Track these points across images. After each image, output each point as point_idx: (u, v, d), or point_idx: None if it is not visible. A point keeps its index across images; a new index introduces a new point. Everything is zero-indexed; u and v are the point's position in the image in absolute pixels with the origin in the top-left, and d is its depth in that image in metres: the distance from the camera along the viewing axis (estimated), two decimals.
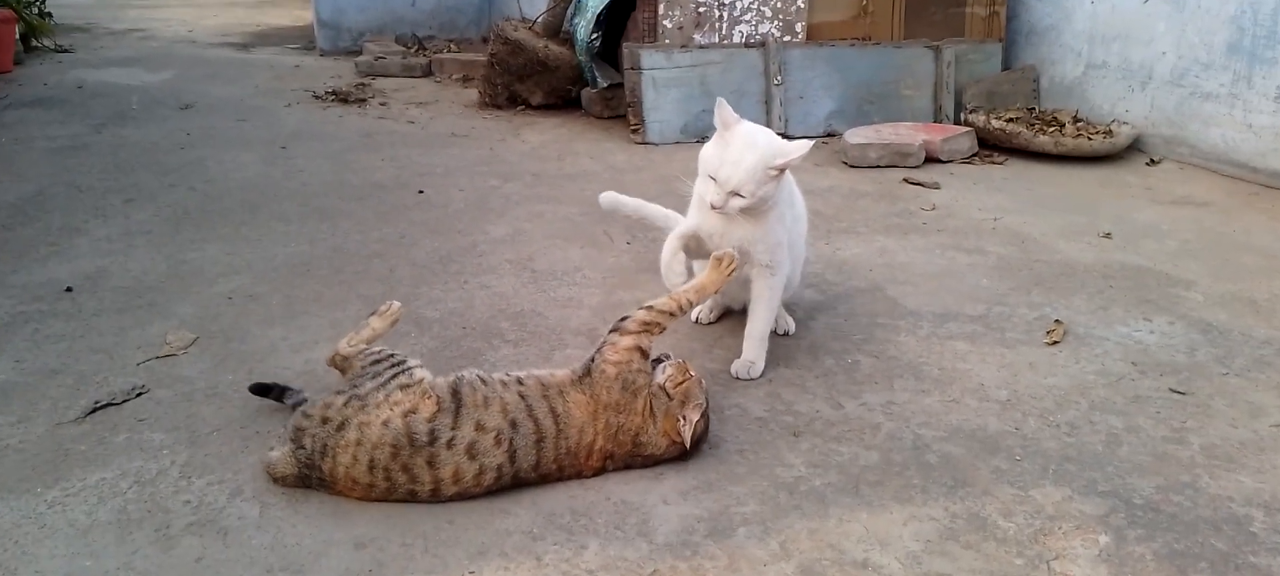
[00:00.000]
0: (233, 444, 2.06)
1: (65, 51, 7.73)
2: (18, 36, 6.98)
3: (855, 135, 4.90)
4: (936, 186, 4.42)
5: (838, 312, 2.92)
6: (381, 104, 6.13)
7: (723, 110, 2.24)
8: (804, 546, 1.80)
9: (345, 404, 1.84)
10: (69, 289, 2.84)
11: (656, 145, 5.17)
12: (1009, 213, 4.01)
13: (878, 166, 4.75)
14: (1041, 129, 5.03)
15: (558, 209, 3.95)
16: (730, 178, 2.21)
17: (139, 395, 2.25)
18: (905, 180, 4.53)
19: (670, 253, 2.42)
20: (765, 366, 2.50)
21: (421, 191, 4.12)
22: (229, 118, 5.54)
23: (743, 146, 2.22)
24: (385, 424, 1.80)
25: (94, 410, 2.17)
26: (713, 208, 2.26)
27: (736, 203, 2.24)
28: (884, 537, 1.83)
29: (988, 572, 1.74)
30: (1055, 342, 2.72)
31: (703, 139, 5.25)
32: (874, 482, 2.02)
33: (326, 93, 6.31)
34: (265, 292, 2.93)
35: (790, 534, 1.83)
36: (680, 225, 2.48)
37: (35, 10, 7.71)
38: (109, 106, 5.66)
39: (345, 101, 6.12)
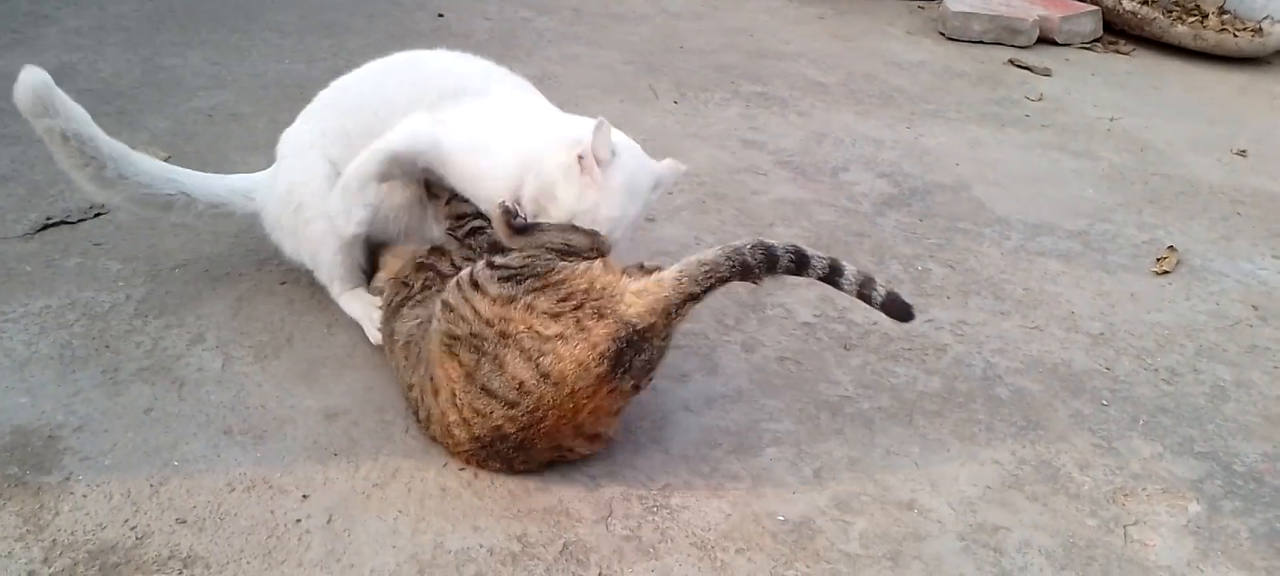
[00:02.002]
0: (198, 283, 2.02)
1: None
2: None
3: (959, 2, 4.66)
4: (1047, 73, 4.21)
5: (911, 210, 2.80)
6: None
7: (601, 136, 1.70)
8: (842, 477, 1.74)
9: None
10: None
11: None
12: (1129, 113, 3.81)
13: (981, 42, 4.53)
14: (1180, 17, 4.76)
15: (597, 53, 3.81)
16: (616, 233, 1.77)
17: (97, 215, 2.21)
18: (1011, 61, 4.32)
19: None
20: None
21: (441, 15, 3.99)
22: None
23: (637, 206, 1.79)
24: None
25: (45, 227, 2.14)
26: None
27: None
28: (936, 478, 1.76)
29: (1052, 531, 1.67)
30: (1165, 272, 2.59)
31: None
32: (932, 413, 1.94)
33: None
34: (250, 113, 2.86)
35: (827, 461, 1.77)
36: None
37: None
38: None
39: None
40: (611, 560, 1.51)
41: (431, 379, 1.60)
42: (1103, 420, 1.98)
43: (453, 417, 1.58)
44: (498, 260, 1.59)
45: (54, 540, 1.42)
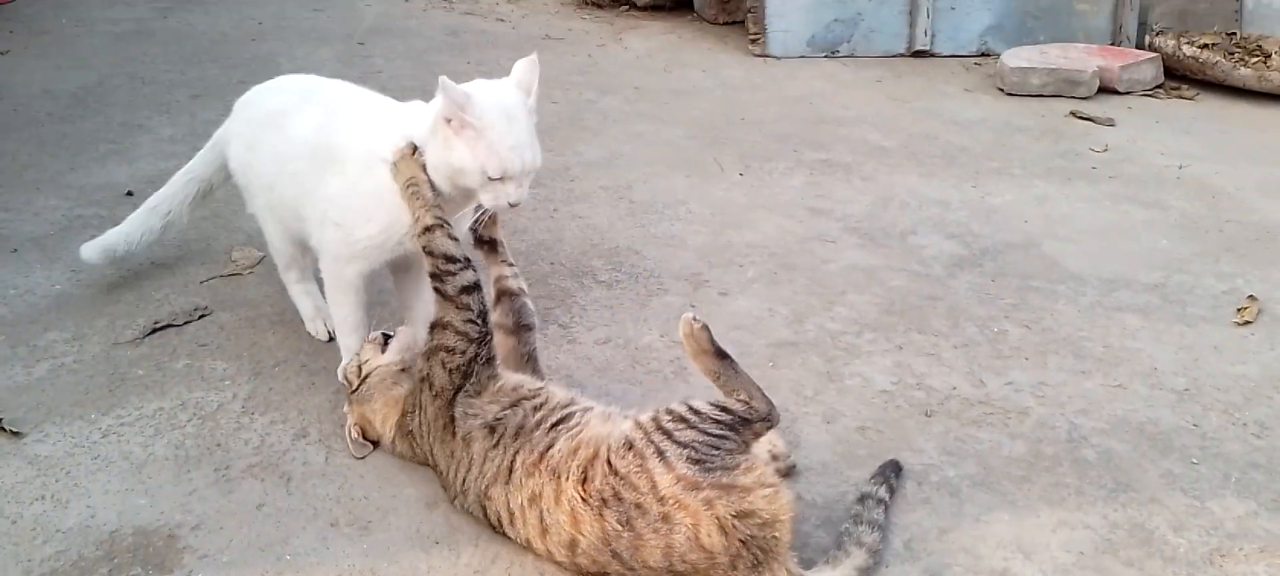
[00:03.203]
0: (298, 379, 2.11)
1: None
2: None
3: (1015, 57, 4.68)
4: (1110, 123, 4.19)
5: (983, 271, 2.81)
6: None
7: (450, 95, 1.78)
8: (932, 548, 1.74)
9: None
10: (130, 193, 2.94)
11: (778, 59, 5.03)
12: (1197, 159, 3.77)
13: (1041, 95, 4.53)
14: (1242, 59, 4.70)
15: (661, 129, 3.90)
16: (538, 155, 1.89)
17: (201, 317, 2.32)
18: (1073, 113, 4.31)
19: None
20: (895, 329, 2.43)
21: None
22: (303, 6, 5.63)
23: (524, 122, 1.86)
24: None
25: (153, 331, 2.25)
26: (515, 205, 1.87)
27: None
28: (1028, 545, 1.76)
29: None
30: (1247, 323, 2.56)
31: (833, 54, 5.11)
32: (1019, 478, 1.94)
33: None
34: None
35: (917, 532, 1.78)
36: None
37: None
38: None
39: None
40: None
41: (541, 517, 1.60)
42: (1194, 478, 1.95)
43: (562, 558, 1.60)
44: (683, 435, 1.58)
45: None
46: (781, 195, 3.31)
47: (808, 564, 1.63)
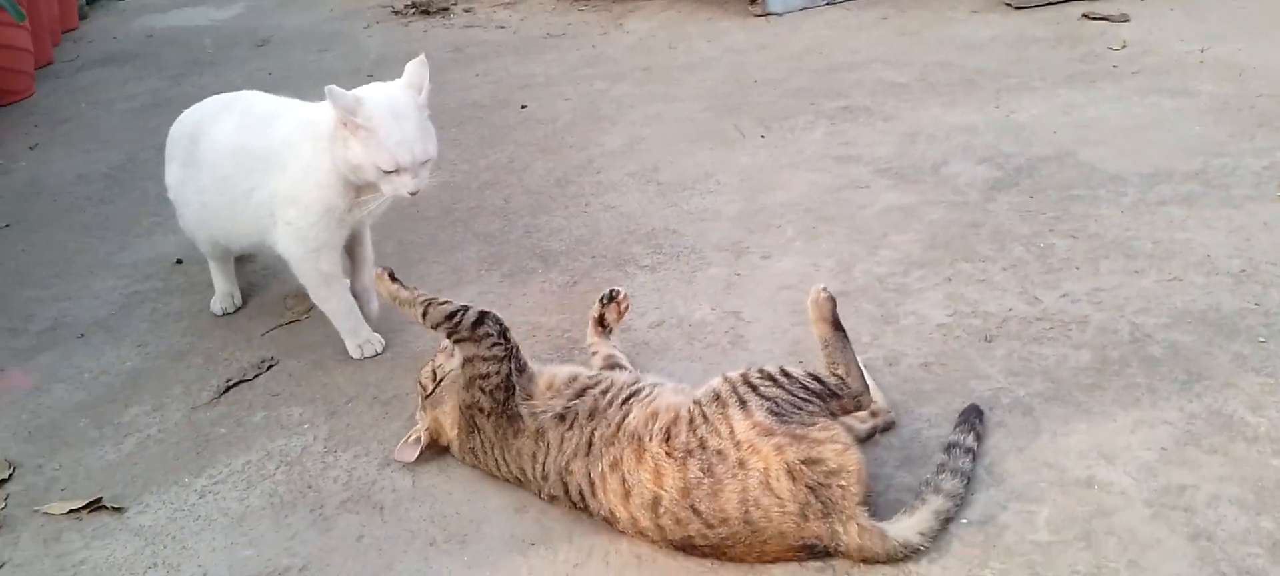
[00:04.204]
0: (372, 412, 2.16)
1: None
2: None
3: None
4: (1125, 19, 4.15)
5: (1021, 188, 2.80)
6: (466, 10, 6.16)
7: (340, 103, 2.02)
8: (1014, 469, 1.76)
9: None
10: (179, 261, 3.01)
11: (780, 15, 5.02)
12: (1218, 40, 3.72)
13: (1050, 3, 4.48)
14: None
15: (676, 107, 3.91)
16: (430, 147, 2.12)
17: (269, 368, 2.38)
18: (1085, 16, 4.27)
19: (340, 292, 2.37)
20: (941, 262, 2.44)
21: (524, 106, 4.14)
22: (309, 50, 5.68)
23: (412, 117, 2.09)
24: None
25: (227, 389, 2.32)
26: (414, 194, 2.13)
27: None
28: (1109, 450, 1.77)
29: (1239, 479, 1.66)
30: None
31: (834, 1, 5.08)
32: (1089, 387, 1.95)
33: (406, 6, 6.38)
34: (376, 241, 3.02)
35: (996, 456, 1.80)
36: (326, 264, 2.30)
37: None
38: (183, 54, 5.89)
39: (427, 13, 6.18)
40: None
41: (623, 480, 1.66)
42: (1264, 357, 1.95)
43: (645, 523, 1.65)
44: (768, 391, 1.65)
45: None
46: (806, 150, 3.32)
47: (892, 506, 1.66)
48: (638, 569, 1.65)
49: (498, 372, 1.85)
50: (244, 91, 2.56)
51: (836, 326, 1.76)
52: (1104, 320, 2.15)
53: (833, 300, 1.76)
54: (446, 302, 1.92)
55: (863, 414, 1.81)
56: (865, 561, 1.58)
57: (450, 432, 1.93)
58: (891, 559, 1.58)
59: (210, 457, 2.07)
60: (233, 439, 2.13)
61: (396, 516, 1.84)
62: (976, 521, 1.65)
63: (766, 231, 2.77)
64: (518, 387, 1.86)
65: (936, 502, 1.64)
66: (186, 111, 2.58)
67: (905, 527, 1.60)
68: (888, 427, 1.90)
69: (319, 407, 2.20)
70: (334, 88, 1.97)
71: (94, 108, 4.93)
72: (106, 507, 1.95)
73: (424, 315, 1.92)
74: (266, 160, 2.25)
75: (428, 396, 1.97)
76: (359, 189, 2.18)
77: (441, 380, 1.97)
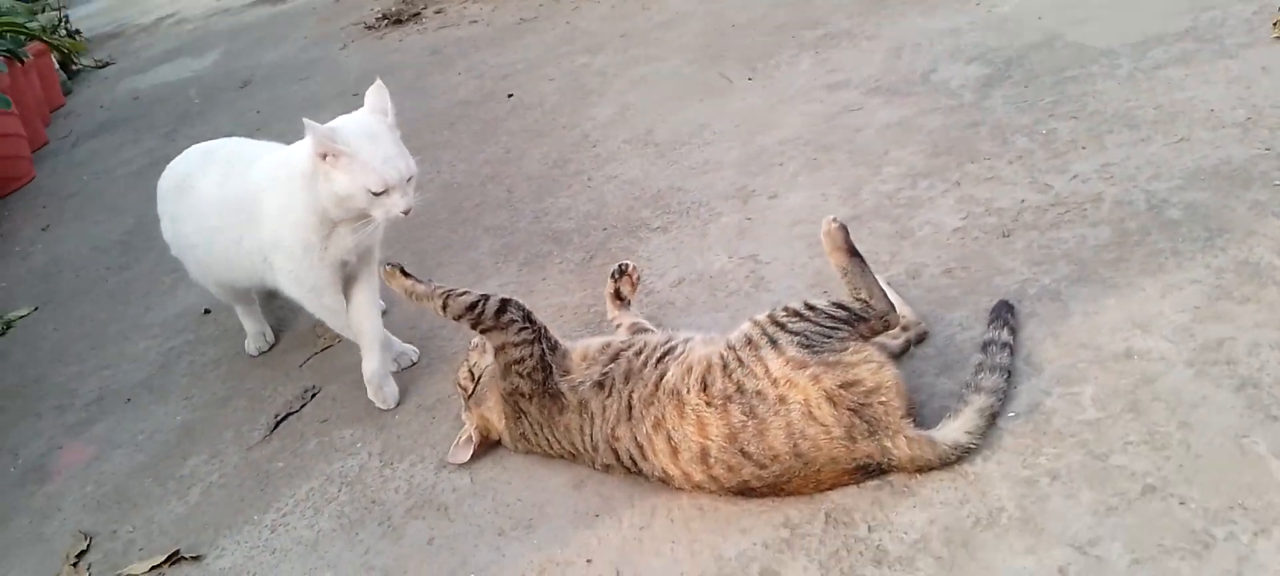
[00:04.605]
0: (419, 420, 2.20)
1: (107, 65, 8.09)
2: (57, 65, 7.34)
3: None
4: None
5: (1014, 80, 2.80)
6: (437, 11, 6.16)
7: (318, 135, 1.96)
8: (1051, 355, 1.78)
9: None
10: (207, 311, 3.05)
11: None
12: None
13: None
14: None
15: (660, 66, 3.91)
16: (412, 163, 2.08)
17: (313, 396, 2.42)
18: None
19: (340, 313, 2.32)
20: (947, 168, 2.44)
21: (511, 95, 4.15)
22: (290, 81, 5.70)
23: (388, 138, 2.05)
24: None
25: (277, 425, 2.36)
26: (408, 212, 2.07)
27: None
28: (1143, 319, 1.78)
29: (1278, 324, 1.67)
30: None
31: None
32: (1113, 261, 1.96)
33: (378, 19, 6.38)
34: (394, 255, 3.05)
35: (1032, 345, 1.82)
36: (329, 299, 2.29)
37: (62, 32, 8.06)
38: (171, 109, 5.92)
39: (400, 22, 6.18)
40: (873, 511, 1.59)
41: (669, 438, 1.69)
42: None
43: (698, 477, 1.67)
44: (795, 326, 1.68)
45: None
46: (795, 84, 3.32)
47: (939, 414, 1.68)
48: (702, 520, 1.68)
49: (531, 355, 1.88)
50: (223, 139, 2.56)
51: (852, 253, 1.77)
52: (1118, 194, 2.15)
53: (844, 228, 1.78)
54: (465, 293, 1.94)
55: (894, 330, 1.83)
56: (919, 471, 1.61)
57: (498, 425, 1.97)
58: (945, 462, 1.61)
59: (274, 492, 2.12)
60: (292, 470, 2.17)
61: (461, 514, 1.88)
62: (1023, 412, 1.68)
63: (769, 171, 2.78)
64: (554, 365, 1.89)
65: (980, 400, 1.66)
66: (170, 165, 2.59)
67: (953, 430, 1.62)
68: (921, 339, 1.92)
69: (368, 425, 2.24)
70: (310, 121, 1.95)
71: (96, 179, 4.97)
72: (185, 558, 2.00)
73: (444, 307, 1.95)
74: (246, 209, 2.24)
75: (470, 396, 2.00)
76: (336, 224, 2.13)
77: (479, 377, 2.00)
